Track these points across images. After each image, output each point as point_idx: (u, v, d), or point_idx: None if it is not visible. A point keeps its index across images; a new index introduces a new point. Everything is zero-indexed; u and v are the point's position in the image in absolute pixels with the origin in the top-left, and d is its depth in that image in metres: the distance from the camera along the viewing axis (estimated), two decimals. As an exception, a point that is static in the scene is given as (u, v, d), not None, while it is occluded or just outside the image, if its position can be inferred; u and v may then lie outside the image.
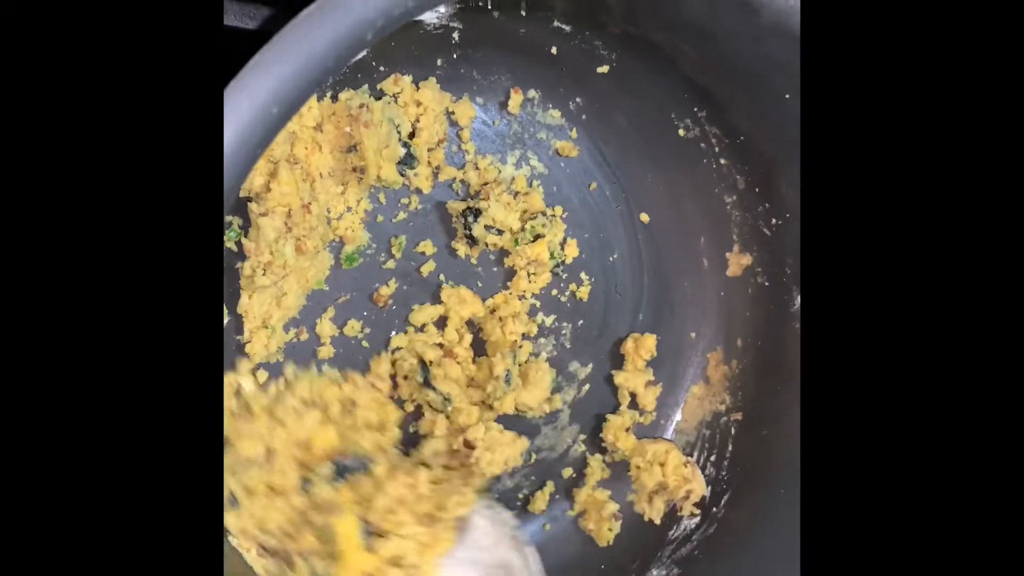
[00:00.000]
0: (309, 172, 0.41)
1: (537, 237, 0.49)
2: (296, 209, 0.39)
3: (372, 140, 0.41)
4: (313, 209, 0.39)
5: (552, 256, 0.50)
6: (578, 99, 0.50)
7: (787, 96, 0.42)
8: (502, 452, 0.50)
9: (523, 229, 0.49)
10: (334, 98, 0.43)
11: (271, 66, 0.27)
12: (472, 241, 0.48)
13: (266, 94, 0.27)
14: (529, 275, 0.51)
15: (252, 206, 0.40)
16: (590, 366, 0.54)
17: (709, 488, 0.54)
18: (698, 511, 0.53)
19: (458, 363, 0.48)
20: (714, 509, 0.53)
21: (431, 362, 0.48)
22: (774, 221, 0.51)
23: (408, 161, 0.44)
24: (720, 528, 0.52)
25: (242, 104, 0.27)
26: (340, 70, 0.29)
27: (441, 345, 0.50)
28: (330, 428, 0.44)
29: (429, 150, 0.46)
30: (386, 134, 0.42)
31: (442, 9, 0.42)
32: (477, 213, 0.47)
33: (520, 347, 0.51)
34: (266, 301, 0.41)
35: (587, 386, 0.55)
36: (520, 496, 0.54)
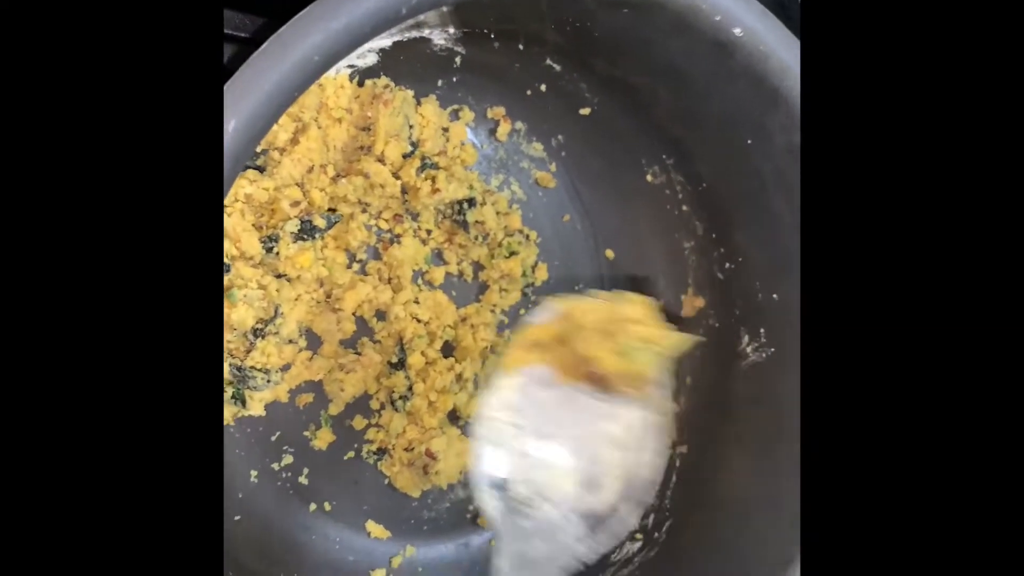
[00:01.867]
0: (326, 141, 0.44)
1: (512, 254, 0.53)
2: (316, 167, 0.42)
3: (387, 121, 0.45)
4: (329, 172, 0.43)
5: (524, 274, 0.54)
6: (560, 136, 0.55)
7: (748, 142, 0.47)
8: (459, 461, 0.52)
9: (500, 244, 0.53)
10: (360, 83, 0.47)
11: (317, 20, 0.31)
12: (460, 227, 0.52)
13: (311, 43, 0.31)
14: (501, 290, 0.54)
15: (273, 153, 0.43)
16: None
17: (652, 516, 0.56)
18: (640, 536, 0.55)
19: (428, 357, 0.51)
20: (656, 534, 0.55)
21: (409, 341, 0.51)
22: (727, 265, 0.55)
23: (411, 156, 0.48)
24: (661, 552, 0.54)
25: (288, 48, 0.31)
26: (374, 36, 0.33)
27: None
28: None
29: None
30: (399, 125, 0.46)
31: (451, 30, 0.47)
32: (472, 203, 0.51)
33: (489, 355, 0.53)
34: None
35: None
36: (470, 508, 0.56)
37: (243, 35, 0.42)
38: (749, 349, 0.55)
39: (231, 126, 0.30)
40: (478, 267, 0.54)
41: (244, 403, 0.47)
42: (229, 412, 0.47)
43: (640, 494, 0.40)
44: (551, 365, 0.39)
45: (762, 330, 0.54)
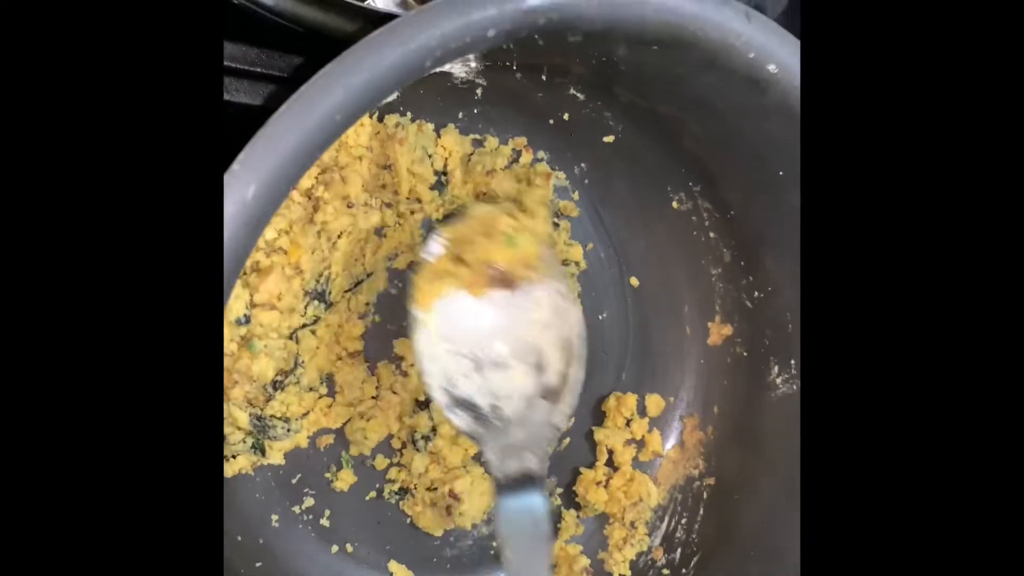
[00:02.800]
0: (346, 178, 0.44)
1: None
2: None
3: (404, 158, 0.44)
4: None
5: None
6: (583, 164, 0.54)
7: (780, 173, 0.46)
8: (483, 500, 0.51)
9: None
10: (380, 119, 0.46)
11: (338, 78, 0.30)
12: None
13: (332, 102, 0.30)
14: None
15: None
16: (572, 420, 0.56)
17: (680, 550, 0.55)
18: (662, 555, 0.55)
19: None
20: (683, 570, 0.54)
21: None
22: (756, 294, 0.54)
23: (440, 188, 0.47)
24: (689, 588, 0.53)
25: (309, 108, 0.30)
26: (397, 89, 0.32)
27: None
28: None
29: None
30: (419, 158, 0.45)
31: (472, 63, 0.45)
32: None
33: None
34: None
35: (567, 439, 0.56)
36: (494, 545, 0.55)
37: (283, 75, 0.41)
38: (779, 380, 0.53)
39: (251, 191, 0.29)
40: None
41: (264, 452, 0.46)
42: (248, 461, 0.46)
43: (579, 351, 0.45)
44: (460, 286, 0.42)
45: (792, 361, 0.53)
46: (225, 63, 0.39)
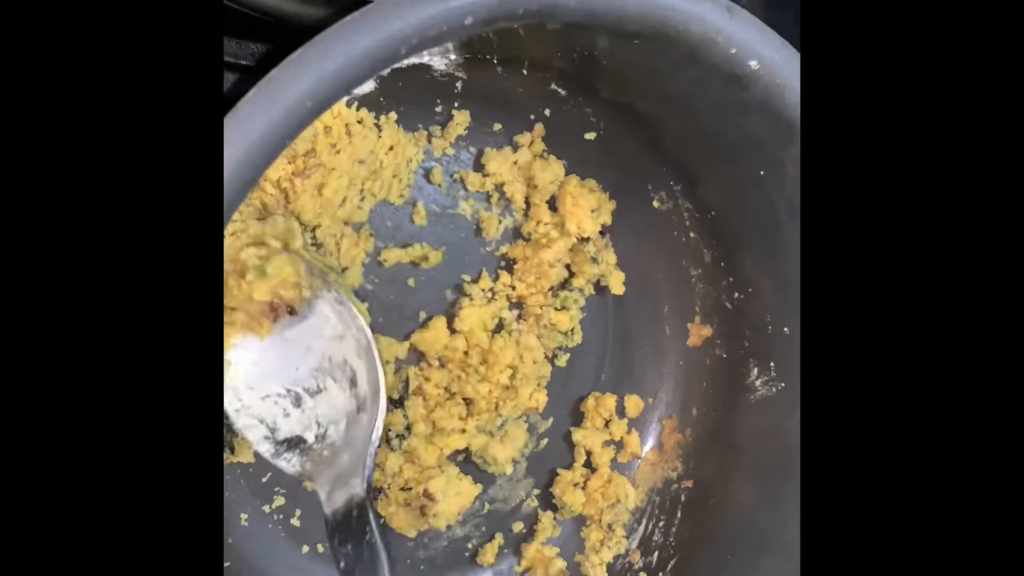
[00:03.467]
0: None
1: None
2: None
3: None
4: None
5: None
6: (564, 162, 0.53)
7: (761, 173, 0.45)
8: (458, 500, 0.50)
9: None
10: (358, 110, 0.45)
11: (312, 62, 0.29)
12: None
13: (303, 88, 0.29)
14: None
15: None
16: (551, 420, 0.55)
17: (657, 553, 0.55)
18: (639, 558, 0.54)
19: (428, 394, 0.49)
20: (660, 574, 0.54)
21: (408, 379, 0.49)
22: (736, 295, 0.53)
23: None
24: (666, 592, 0.53)
25: (280, 94, 0.29)
26: (371, 77, 0.31)
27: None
28: None
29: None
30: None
31: (452, 56, 0.45)
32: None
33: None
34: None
35: (546, 440, 0.55)
36: (469, 546, 0.54)
37: (244, 63, 0.40)
38: (759, 383, 0.53)
39: (217, 177, 0.28)
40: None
41: (232, 450, 0.45)
42: None
43: (368, 348, 0.42)
44: (244, 332, 0.40)
45: (772, 364, 0.52)
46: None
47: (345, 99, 0.45)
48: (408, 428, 0.50)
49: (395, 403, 0.50)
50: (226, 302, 0.40)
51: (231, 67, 0.40)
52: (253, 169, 0.29)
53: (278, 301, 0.40)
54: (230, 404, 0.41)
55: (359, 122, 0.45)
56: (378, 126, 0.46)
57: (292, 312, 0.41)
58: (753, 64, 0.39)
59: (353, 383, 0.42)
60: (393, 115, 0.47)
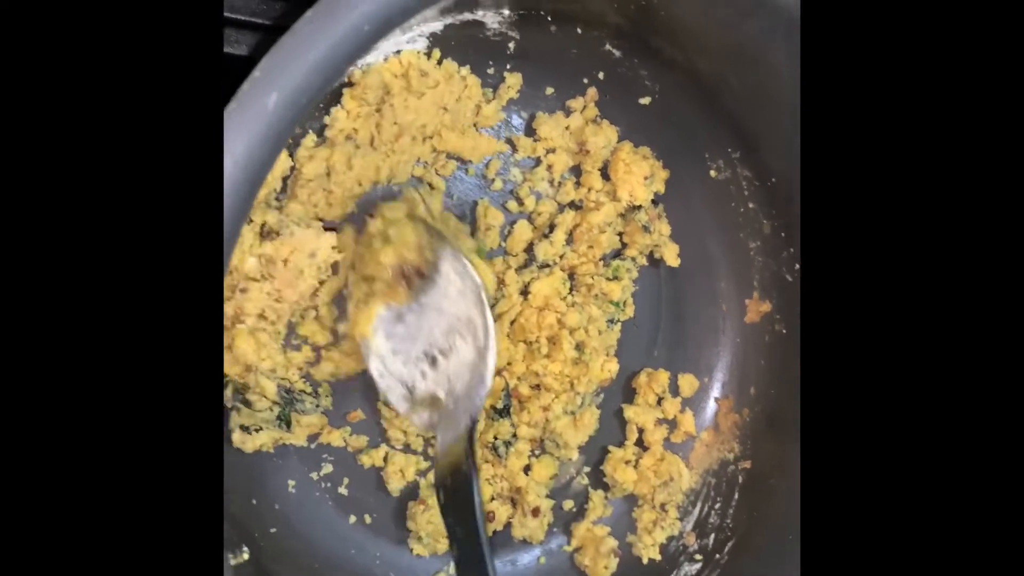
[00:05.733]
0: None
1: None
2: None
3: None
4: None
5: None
6: (617, 128, 0.52)
7: (826, 131, 0.43)
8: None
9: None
10: None
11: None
12: None
13: (361, 10, 0.28)
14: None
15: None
16: (601, 396, 0.54)
17: (713, 535, 0.53)
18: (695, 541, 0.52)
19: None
20: (717, 555, 0.51)
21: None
22: (797, 267, 0.51)
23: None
24: (723, 574, 0.50)
25: (337, 14, 0.28)
26: (430, 5, 0.30)
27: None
28: None
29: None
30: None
31: (506, 11, 0.44)
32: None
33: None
34: None
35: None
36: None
37: (265, 22, 0.40)
38: (820, 358, 0.51)
39: (272, 100, 0.27)
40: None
41: (289, 425, 0.44)
42: (270, 439, 0.45)
43: (485, 298, 0.44)
44: (384, 301, 0.43)
45: (835, 338, 0.50)
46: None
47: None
48: (514, 435, 0.50)
49: (499, 412, 0.50)
50: (363, 271, 0.43)
51: (253, 27, 0.39)
52: (310, 92, 0.28)
53: (408, 266, 0.43)
54: (375, 370, 0.44)
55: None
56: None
57: (421, 276, 0.43)
58: (822, 6, 0.37)
59: (474, 336, 0.44)
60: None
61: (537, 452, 0.51)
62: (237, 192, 0.27)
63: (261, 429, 0.44)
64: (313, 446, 0.47)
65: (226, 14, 0.36)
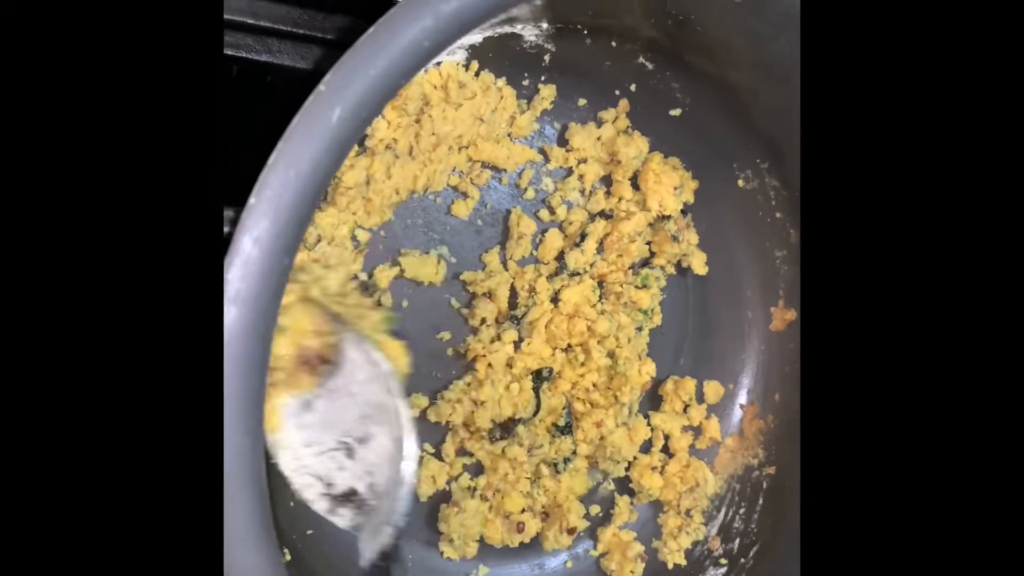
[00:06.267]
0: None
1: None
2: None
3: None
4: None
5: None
6: (648, 138, 0.52)
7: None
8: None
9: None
10: None
11: (427, 3, 0.29)
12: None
13: (421, 27, 0.29)
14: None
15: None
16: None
17: (738, 540, 0.53)
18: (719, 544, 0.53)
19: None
20: (742, 560, 0.52)
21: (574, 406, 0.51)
22: (823, 277, 0.52)
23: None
24: (748, 579, 0.51)
25: (397, 32, 0.29)
26: (492, 17, 0.31)
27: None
28: None
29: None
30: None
31: (544, 25, 0.45)
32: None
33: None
34: None
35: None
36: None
37: (328, 37, 0.41)
38: (846, 366, 0.51)
39: (335, 114, 0.28)
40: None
41: None
42: None
43: (392, 386, 0.41)
44: (288, 391, 0.39)
45: (861, 346, 0.51)
46: (267, 24, 0.38)
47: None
48: (574, 452, 0.51)
49: (561, 430, 0.51)
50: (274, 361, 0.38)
51: (314, 41, 0.40)
52: (370, 107, 0.29)
53: (307, 353, 0.39)
54: (287, 465, 0.40)
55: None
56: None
57: (326, 362, 0.40)
58: (859, 23, 0.38)
59: (390, 424, 0.41)
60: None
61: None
62: (303, 202, 0.28)
63: None
64: (349, 449, 0.48)
65: (290, 28, 0.37)
